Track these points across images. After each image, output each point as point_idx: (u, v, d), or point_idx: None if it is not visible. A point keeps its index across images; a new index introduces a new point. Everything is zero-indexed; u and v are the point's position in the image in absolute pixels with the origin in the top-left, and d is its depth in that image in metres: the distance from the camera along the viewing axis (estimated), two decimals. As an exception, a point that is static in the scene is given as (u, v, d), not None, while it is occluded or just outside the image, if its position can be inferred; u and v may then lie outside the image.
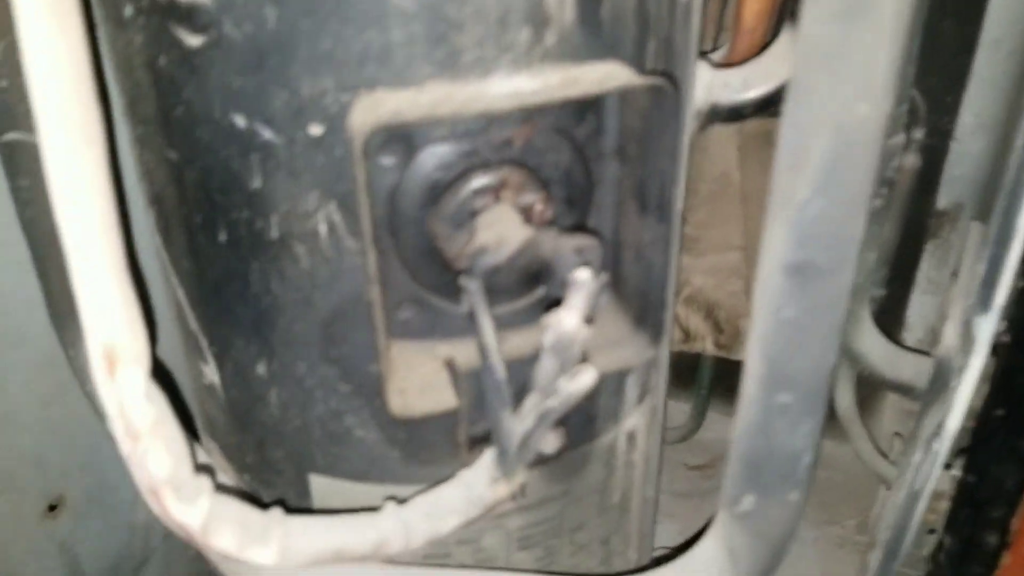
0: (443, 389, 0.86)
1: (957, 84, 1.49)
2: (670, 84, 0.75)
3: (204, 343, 0.98)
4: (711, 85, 1.00)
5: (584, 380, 0.80)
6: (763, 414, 0.78)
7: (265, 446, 0.99)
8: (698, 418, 1.97)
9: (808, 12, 0.64)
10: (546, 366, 0.70)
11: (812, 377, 0.76)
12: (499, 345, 0.81)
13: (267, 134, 0.79)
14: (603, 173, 0.85)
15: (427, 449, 0.95)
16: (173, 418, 0.72)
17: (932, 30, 1.36)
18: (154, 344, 0.72)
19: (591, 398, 0.99)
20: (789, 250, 0.71)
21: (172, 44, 0.78)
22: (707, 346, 1.64)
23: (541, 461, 0.90)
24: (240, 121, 0.79)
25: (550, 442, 0.91)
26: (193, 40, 0.77)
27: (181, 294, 0.97)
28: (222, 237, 0.86)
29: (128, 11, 0.81)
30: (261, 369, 0.93)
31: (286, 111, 0.77)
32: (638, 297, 0.89)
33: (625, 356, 0.90)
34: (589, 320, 0.71)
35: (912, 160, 1.47)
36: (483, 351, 0.79)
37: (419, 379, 0.87)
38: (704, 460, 2.05)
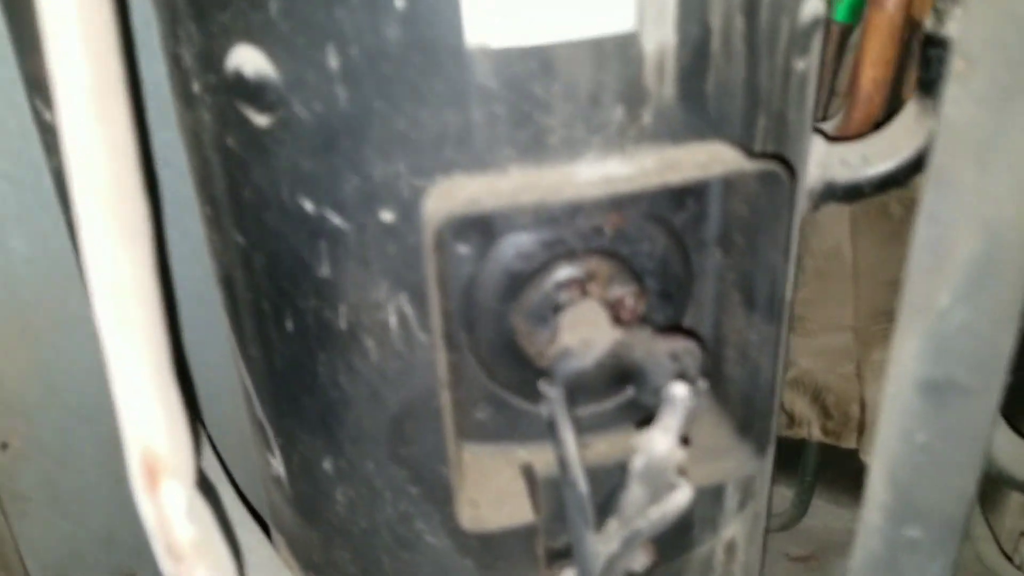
0: (519, 500, 0.78)
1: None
2: (783, 168, 0.66)
3: (271, 434, 0.91)
4: (826, 162, 0.90)
5: (677, 501, 0.71)
6: (888, 550, 0.68)
7: (331, 545, 0.92)
8: (802, 506, 1.84)
9: (953, 93, 0.55)
10: (635, 493, 0.62)
11: (946, 510, 0.65)
12: (582, 454, 0.72)
13: (336, 220, 0.72)
14: (704, 265, 0.77)
15: (503, 561, 0.86)
16: (220, 537, 0.65)
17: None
18: (198, 452, 0.66)
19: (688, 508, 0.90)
20: (925, 365, 0.61)
21: (240, 123, 0.73)
22: (813, 432, 1.53)
23: (630, 578, 0.81)
24: (309, 206, 0.73)
25: (639, 560, 0.82)
26: (261, 120, 0.71)
27: (248, 381, 0.91)
28: (289, 325, 0.80)
29: (196, 87, 0.76)
30: (327, 465, 0.86)
31: (357, 196, 0.71)
32: (742, 404, 0.79)
33: (725, 469, 0.81)
34: (685, 441, 0.62)
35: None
36: (563, 464, 0.70)
37: (494, 488, 0.79)
38: (808, 550, 1.91)
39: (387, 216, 0.71)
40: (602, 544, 0.76)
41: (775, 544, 1.89)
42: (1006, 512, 1.67)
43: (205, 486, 0.65)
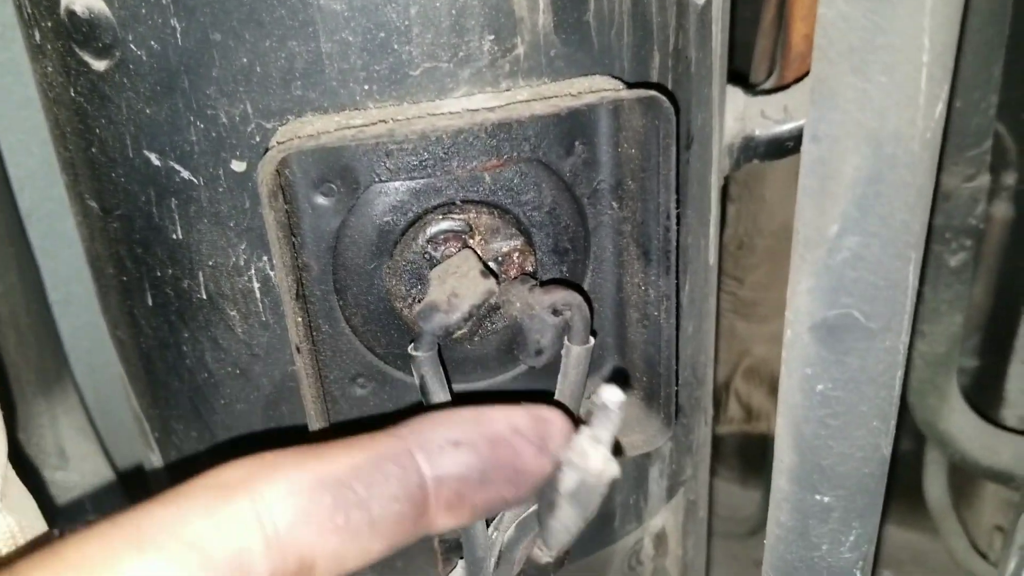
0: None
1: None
2: (668, 100, 0.60)
3: (147, 426, 0.84)
4: (745, 115, 0.84)
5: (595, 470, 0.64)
6: (798, 519, 0.60)
7: (219, 547, 0.84)
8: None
9: (827, -13, 0.48)
10: (565, 514, 0.55)
11: (859, 471, 0.58)
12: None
13: (184, 173, 0.66)
14: (599, 217, 0.69)
15: (398, 557, 0.78)
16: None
17: (1019, 59, 1.17)
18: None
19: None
20: (820, 304, 0.54)
21: (80, 70, 0.66)
22: (773, 425, 1.45)
23: (541, 573, 0.73)
24: (155, 159, 0.66)
25: (546, 551, 0.74)
26: (99, 64, 0.65)
27: (122, 369, 0.84)
28: (149, 299, 0.73)
29: (38, 36, 0.69)
30: (204, 458, 0.78)
31: (203, 144, 0.64)
32: (646, 370, 0.72)
33: (633, 442, 0.73)
34: (617, 450, 0.55)
35: (1003, 209, 1.27)
36: None
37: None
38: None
39: (238, 165, 0.64)
40: (494, 529, 0.68)
41: (743, 551, 1.80)
42: (983, 508, 1.59)
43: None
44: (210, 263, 0.68)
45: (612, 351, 0.75)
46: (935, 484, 1.41)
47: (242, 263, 0.68)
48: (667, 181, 0.62)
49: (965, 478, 1.49)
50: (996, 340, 1.39)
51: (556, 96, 0.61)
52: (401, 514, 0.49)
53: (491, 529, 0.70)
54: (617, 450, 0.62)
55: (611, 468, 0.54)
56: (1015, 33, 1.07)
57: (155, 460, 0.85)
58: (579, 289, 0.65)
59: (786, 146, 0.85)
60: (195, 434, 0.78)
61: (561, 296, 0.61)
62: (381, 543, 0.49)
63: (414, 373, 0.62)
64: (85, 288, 1.00)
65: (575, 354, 0.64)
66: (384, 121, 0.59)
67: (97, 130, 0.68)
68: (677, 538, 0.93)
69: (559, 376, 0.65)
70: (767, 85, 1.05)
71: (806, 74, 0.90)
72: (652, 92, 0.59)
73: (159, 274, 0.71)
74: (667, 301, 0.66)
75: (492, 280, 0.61)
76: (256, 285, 0.68)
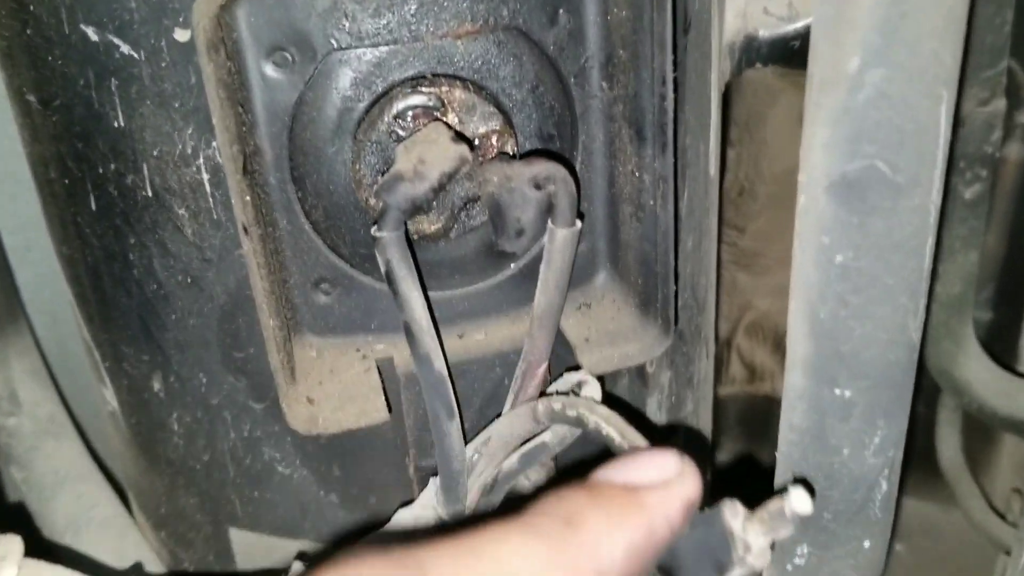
0: (372, 398, 0.63)
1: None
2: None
3: (97, 356, 0.77)
4: (746, 11, 0.77)
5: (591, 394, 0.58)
6: (814, 417, 0.53)
7: (175, 490, 0.77)
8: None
9: None
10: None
11: (883, 357, 0.51)
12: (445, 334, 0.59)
13: (124, 47, 0.59)
14: (588, 100, 0.63)
15: (371, 490, 0.71)
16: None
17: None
18: None
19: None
20: (838, 156, 0.47)
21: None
22: (777, 386, 1.38)
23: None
24: (92, 33, 0.59)
25: (533, 474, 0.68)
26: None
27: (70, 292, 0.77)
28: (92, 202, 0.66)
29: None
30: (157, 384, 0.72)
31: (143, 10, 0.57)
32: (641, 268, 0.65)
33: (628, 352, 0.66)
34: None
35: (1017, 150, 1.20)
36: (408, 331, 0.56)
37: (339, 385, 0.64)
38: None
39: (181, 34, 0.57)
40: (474, 446, 0.62)
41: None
42: (998, 469, 1.52)
43: None
44: (155, 152, 0.61)
45: (604, 256, 0.68)
46: (948, 446, 1.34)
47: (189, 151, 0.61)
48: (661, 41, 0.55)
49: (979, 439, 1.41)
50: (1010, 292, 1.32)
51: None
52: None
53: (471, 449, 0.63)
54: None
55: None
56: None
57: (108, 396, 0.78)
58: (565, 163, 0.58)
59: (791, 47, 0.78)
60: (146, 358, 0.71)
61: (543, 168, 0.54)
62: None
63: (379, 258, 0.55)
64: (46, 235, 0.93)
65: (560, 238, 0.57)
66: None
67: (31, 6, 0.61)
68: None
69: (542, 264, 0.58)
70: None
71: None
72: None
73: (101, 171, 0.64)
74: (664, 184, 0.59)
75: (464, 146, 0.54)
76: (205, 176, 0.61)
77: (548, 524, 0.42)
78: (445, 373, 0.57)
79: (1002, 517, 1.31)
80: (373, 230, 0.55)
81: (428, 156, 0.53)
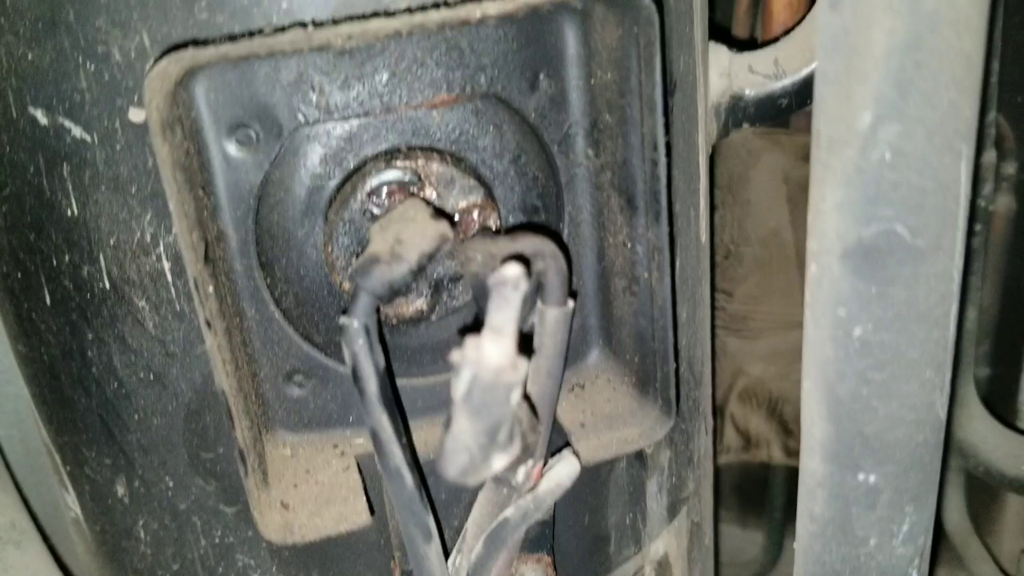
0: (352, 500, 0.58)
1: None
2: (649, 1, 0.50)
3: (58, 459, 0.72)
4: (730, 71, 0.74)
5: (561, 475, 0.53)
6: (837, 506, 0.49)
7: (144, 600, 0.71)
8: (773, 549, 1.62)
9: None
10: (460, 427, 0.42)
11: (911, 439, 0.47)
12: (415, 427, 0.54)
13: (76, 130, 0.55)
14: (573, 168, 0.59)
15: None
16: None
17: (1014, 39, 1.10)
18: None
19: (596, 511, 0.70)
20: (851, 220, 0.43)
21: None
22: (774, 453, 1.33)
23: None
24: (42, 116, 0.55)
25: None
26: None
27: (28, 392, 0.72)
28: (46, 296, 0.62)
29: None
30: (120, 489, 0.66)
31: (95, 90, 0.53)
32: (637, 348, 0.61)
33: (628, 437, 0.61)
34: (525, 346, 0.44)
35: (1005, 202, 1.18)
36: (375, 439, 0.51)
37: (316, 487, 0.59)
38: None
39: (136, 114, 0.53)
40: (458, 551, 0.57)
41: (749, 598, 1.67)
42: (1004, 532, 1.47)
43: None
44: (111, 242, 0.57)
45: (596, 334, 0.64)
46: (954, 507, 1.29)
47: (148, 239, 0.57)
48: (651, 103, 0.52)
49: (983, 502, 1.37)
50: (1008, 346, 1.28)
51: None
52: None
53: (454, 553, 0.58)
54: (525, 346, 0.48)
55: (518, 365, 0.42)
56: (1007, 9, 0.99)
57: (71, 502, 0.73)
58: (554, 236, 0.54)
59: (779, 104, 0.75)
60: (109, 461, 0.66)
61: (530, 243, 0.50)
62: None
63: (344, 350, 0.50)
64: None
65: (552, 318, 0.52)
66: (304, 25, 0.48)
67: (-27, 87, 0.57)
68: (682, 567, 0.81)
69: (534, 348, 0.54)
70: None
71: (795, 26, 0.81)
72: (630, -10, 0.49)
73: (55, 263, 0.60)
74: (659, 255, 0.56)
75: (445, 223, 0.50)
76: (166, 265, 0.57)
77: None
78: (418, 489, 0.52)
79: (1013, 581, 1.26)
80: (341, 318, 0.50)
81: (406, 235, 0.49)
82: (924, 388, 0.46)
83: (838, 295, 0.45)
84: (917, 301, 0.44)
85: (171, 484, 0.64)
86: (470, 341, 0.41)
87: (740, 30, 1.11)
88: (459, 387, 0.41)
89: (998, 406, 1.29)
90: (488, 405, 0.41)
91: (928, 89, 0.40)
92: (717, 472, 1.46)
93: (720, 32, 0.82)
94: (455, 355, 0.42)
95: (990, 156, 0.97)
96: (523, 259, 0.50)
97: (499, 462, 0.43)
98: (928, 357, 0.45)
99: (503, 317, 0.41)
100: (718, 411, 1.34)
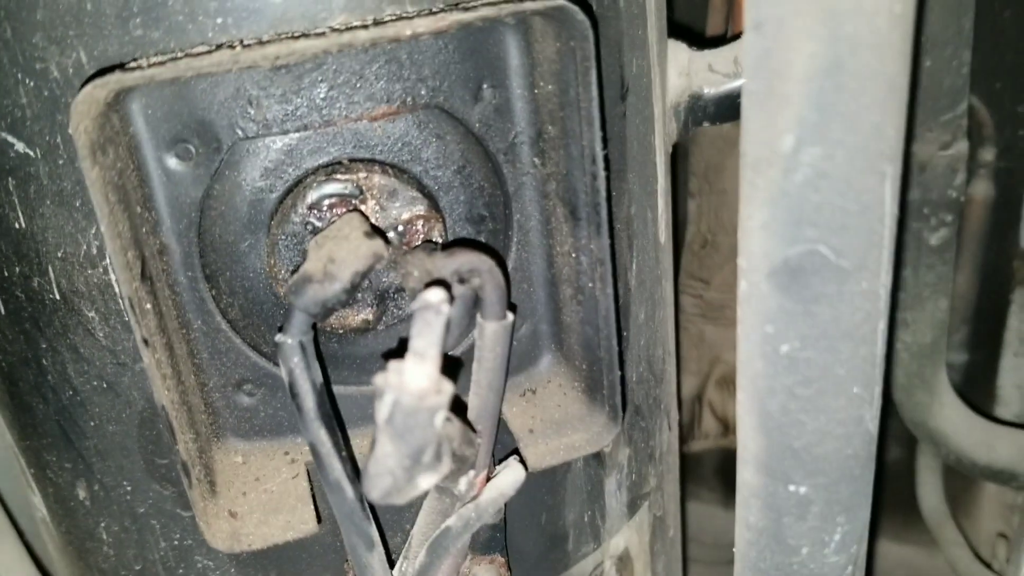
0: (300, 509, 0.59)
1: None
2: (584, 13, 0.49)
3: (23, 462, 0.72)
4: (689, 70, 0.74)
5: (505, 484, 0.54)
6: (771, 516, 0.49)
7: (109, 600, 0.72)
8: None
9: None
10: (384, 450, 0.43)
11: (840, 452, 0.47)
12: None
13: (19, 145, 0.55)
14: (520, 177, 0.59)
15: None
16: None
17: (992, 23, 1.09)
18: None
19: (552, 510, 0.71)
20: (776, 240, 0.43)
21: None
22: (752, 439, 1.34)
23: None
24: (-16, 132, 0.55)
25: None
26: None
27: (-7, 397, 0.73)
28: (1, 306, 0.62)
29: None
30: (82, 492, 0.67)
31: (35, 106, 0.53)
32: (585, 353, 0.61)
33: (575, 443, 0.62)
34: (451, 370, 0.44)
35: (983, 188, 1.18)
36: (315, 453, 0.52)
37: (264, 495, 0.60)
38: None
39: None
40: (404, 560, 0.57)
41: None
42: (982, 515, 1.48)
43: None
44: (59, 254, 0.57)
45: (548, 339, 0.64)
46: (930, 491, 1.30)
47: (95, 251, 0.57)
48: (589, 116, 0.52)
49: (961, 484, 1.38)
50: (984, 332, 1.29)
51: (445, 10, 0.50)
52: None
53: (400, 559, 0.59)
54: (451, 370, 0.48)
55: (443, 388, 0.42)
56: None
57: (37, 503, 0.74)
58: (491, 252, 0.54)
59: (739, 104, 0.75)
60: (69, 465, 0.66)
61: (466, 260, 0.50)
62: None
63: (281, 367, 0.51)
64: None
65: (490, 332, 0.53)
66: (232, 46, 0.48)
67: (-83, 104, 0.57)
68: (645, 561, 0.82)
69: (474, 363, 0.54)
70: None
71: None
72: (561, 1, 0.49)
73: (7, 274, 0.60)
74: (601, 267, 0.56)
75: (379, 241, 0.50)
76: (113, 277, 0.57)
77: None
78: (359, 500, 0.53)
79: (987, 565, 1.27)
80: (277, 336, 0.50)
81: (339, 254, 0.49)
82: (852, 403, 0.46)
83: (766, 312, 0.45)
84: (842, 319, 0.44)
85: (129, 488, 0.65)
86: (392, 365, 0.42)
87: (716, 21, 1.11)
88: (381, 411, 0.42)
89: (976, 392, 1.30)
90: (411, 428, 0.42)
91: (850, 112, 0.40)
92: (698, 457, 1.47)
93: (682, 29, 0.81)
94: (378, 379, 0.42)
95: (961, 147, 0.96)
96: (460, 275, 0.50)
97: (426, 482, 0.43)
98: (855, 373, 0.45)
99: (425, 342, 0.42)
100: (697, 398, 1.34)
